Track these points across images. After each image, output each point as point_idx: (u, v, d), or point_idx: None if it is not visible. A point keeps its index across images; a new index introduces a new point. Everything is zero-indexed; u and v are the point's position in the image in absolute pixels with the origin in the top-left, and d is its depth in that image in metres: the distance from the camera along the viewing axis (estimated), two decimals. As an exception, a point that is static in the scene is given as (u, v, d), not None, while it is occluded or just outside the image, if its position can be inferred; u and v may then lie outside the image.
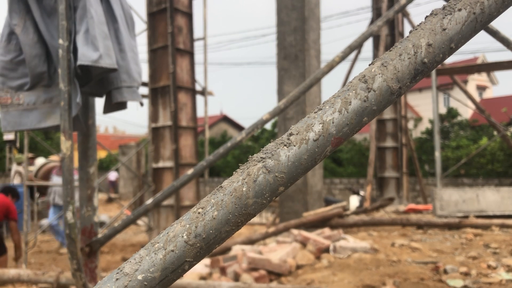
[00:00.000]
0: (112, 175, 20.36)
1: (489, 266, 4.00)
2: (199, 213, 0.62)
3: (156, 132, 7.57)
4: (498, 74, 32.60)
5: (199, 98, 11.76)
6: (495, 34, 2.43)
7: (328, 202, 9.74)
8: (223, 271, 4.20)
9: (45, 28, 2.22)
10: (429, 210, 8.58)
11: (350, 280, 3.78)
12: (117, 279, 0.59)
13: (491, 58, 72.31)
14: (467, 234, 5.59)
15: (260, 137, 22.73)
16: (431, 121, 18.99)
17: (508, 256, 4.39)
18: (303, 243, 4.86)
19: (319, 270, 4.18)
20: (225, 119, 31.64)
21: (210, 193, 0.64)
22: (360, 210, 8.22)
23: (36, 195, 9.13)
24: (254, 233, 6.41)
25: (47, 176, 11.50)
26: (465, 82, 27.39)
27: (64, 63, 2.02)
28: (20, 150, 13.78)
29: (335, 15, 49.91)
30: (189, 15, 7.81)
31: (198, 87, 8.30)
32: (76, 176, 7.07)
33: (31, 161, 9.28)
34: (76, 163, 3.31)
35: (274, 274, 4.13)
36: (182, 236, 0.60)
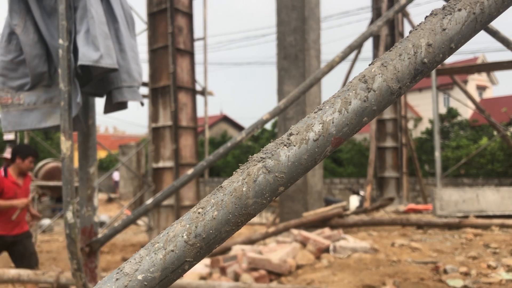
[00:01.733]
0: (117, 175, 20.31)
1: (489, 266, 4.00)
2: (199, 213, 0.62)
3: (156, 132, 7.57)
4: (498, 74, 32.61)
5: (199, 98, 11.77)
6: (495, 34, 2.43)
7: (328, 202, 9.74)
8: (223, 271, 4.20)
9: (45, 28, 2.22)
10: (429, 210, 8.58)
11: (350, 280, 3.78)
12: (117, 279, 0.59)
13: (491, 58, 72.35)
14: (467, 234, 5.59)
15: (260, 137, 22.74)
16: (431, 121, 18.99)
17: (508, 256, 4.39)
18: (303, 243, 4.86)
19: (319, 270, 4.18)
20: (225, 119, 31.65)
21: (210, 193, 0.64)
22: (360, 210, 8.22)
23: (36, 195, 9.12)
24: (254, 233, 6.41)
25: (47, 176, 11.51)
26: (465, 82, 27.39)
27: (64, 63, 2.02)
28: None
29: (335, 15, 49.92)
30: (189, 15, 7.81)
31: (198, 87, 8.30)
32: None
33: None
34: (76, 163, 3.30)
35: (274, 274, 4.13)
36: (182, 236, 0.60)
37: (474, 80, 29.72)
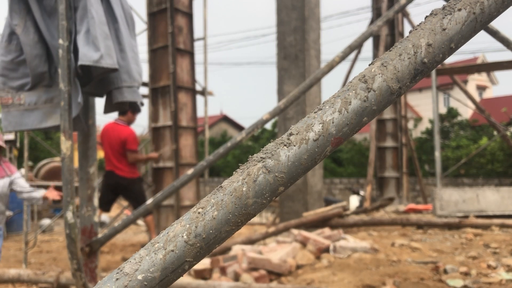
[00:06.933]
0: None
1: (489, 266, 4.00)
2: (199, 213, 0.62)
3: (156, 132, 7.57)
4: (498, 74, 32.64)
5: (199, 98, 11.76)
6: (495, 34, 2.43)
7: (328, 202, 9.74)
8: (223, 271, 4.20)
9: (46, 28, 2.22)
10: (429, 210, 8.57)
11: (350, 280, 3.78)
12: (117, 279, 0.59)
13: (491, 58, 72.32)
14: (467, 234, 5.59)
15: (260, 137, 22.74)
16: (431, 121, 18.99)
17: (508, 256, 4.39)
18: (303, 243, 4.86)
19: (319, 270, 4.17)
20: (225, 119, 31.65)
21: (210, 193, 0.64)
22: (360, 210, 8.22)
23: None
24: (254, 233, 6.41)
25: (47, 176, 11.51)
26: (465, 82, 27.39)
27: (64, 63, 2.02)
28: (20, 150, 13.78)
29: (335, 15, 49.95)
30: (189, 15, 7.81)
31: (198, 87, 8.30)
32: None
33: None
34: (76, 163, 3.31)
35: (274, 274, 4.13)
36: (182, 236, 0.60)
37: (474, 80, 29.73)
